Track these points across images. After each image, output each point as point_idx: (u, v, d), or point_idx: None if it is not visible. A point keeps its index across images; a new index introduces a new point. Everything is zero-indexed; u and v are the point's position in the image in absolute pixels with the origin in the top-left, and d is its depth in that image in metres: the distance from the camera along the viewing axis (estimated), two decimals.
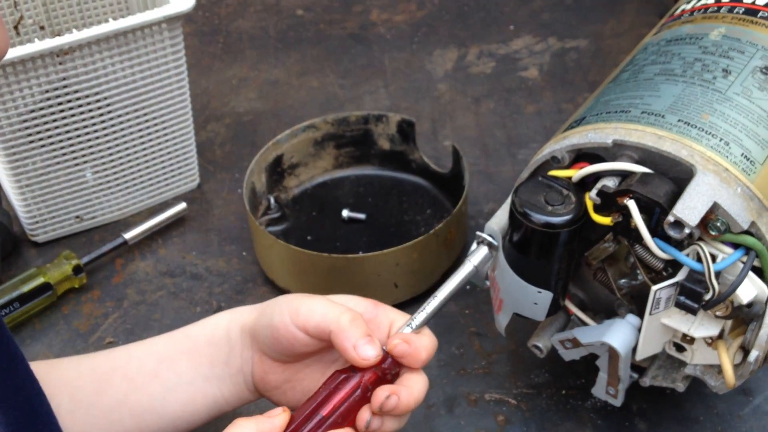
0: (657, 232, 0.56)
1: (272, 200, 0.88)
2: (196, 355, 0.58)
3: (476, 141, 0.97)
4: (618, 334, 0.60)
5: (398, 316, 0.56)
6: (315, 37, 1.12)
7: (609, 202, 0.58)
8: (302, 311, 0.53)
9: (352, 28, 1.13)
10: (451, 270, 0.82)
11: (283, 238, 0.85)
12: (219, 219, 0.89)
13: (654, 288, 0.56)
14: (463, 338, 0.76)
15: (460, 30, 1.12)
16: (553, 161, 0.62)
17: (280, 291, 0.81)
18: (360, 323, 0.53)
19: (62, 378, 0.58)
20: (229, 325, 0.58)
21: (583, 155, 0.62)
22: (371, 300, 0.57)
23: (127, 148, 0.86)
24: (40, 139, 0.82)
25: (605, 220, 0.58)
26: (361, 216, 0.88)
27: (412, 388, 0.52)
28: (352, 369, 0.53)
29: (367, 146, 0.91)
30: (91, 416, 0.58)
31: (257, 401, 0.61)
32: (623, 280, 0.62)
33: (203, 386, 0.58)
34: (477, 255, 0.60)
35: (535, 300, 0.61)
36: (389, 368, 0.53)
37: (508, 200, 0.63)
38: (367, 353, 0.51)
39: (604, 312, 0.67)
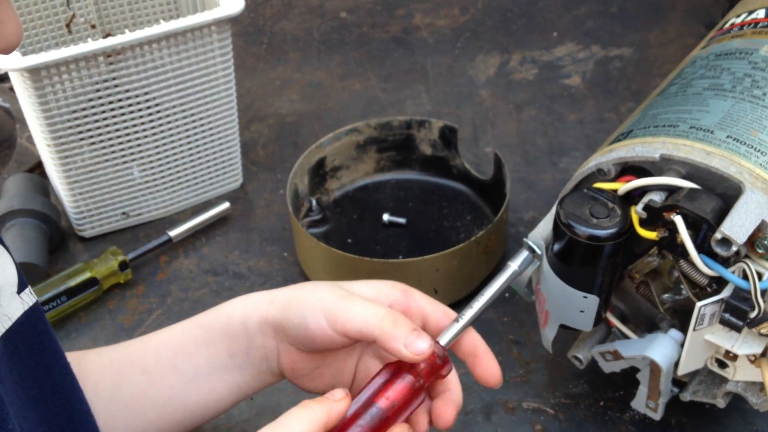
0: (703, 248, 0.56)
1: (314, 202, 0.89)
2: (212, 347, 0.58)
3: (517, 148, 0.97)
4: (660, 348, 0.60)
5: (429, 305, 0.57)
6: (358, 40, 1.13)
7: (655, 217, 0.58)
8: (341, 317, 0.53)
9: (395, 31, 1.14)
10: (490, 277, 0.82)
11: (323, 240, 0.85)
12: (261, 219, 0.90)
13: (699, 304, 0.56)
14: (501, 346, 0.77)
15: (503, 36, 1.12)
16: (599, 173, 0.62)
17: None
18: (403, 321, 0.52)
19: (85, 371, 0.59)
20: (244, 316, 0.57)
21: (629, 168, 0.62)
22: (400, 286, 0.57)
23: (173, 147, 0.88)
24: (90, 136, 0.83)
25: (651, 235, 0.58)
26: (402, 220, 0.88)
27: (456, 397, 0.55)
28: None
29: (408, 151, 0.92)
30: (113, 410, 0.59)
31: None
32: (666, 295, 0.62)
33: (224, 375, 0.59)
34: (518, 258, 0.61)
35: (582, 307, 0.61)
36: (442, 362, 0.54)
37: (552, 211, 0.63)
38: (420, 347, 0.51)
39: (645, 325, 0.67)
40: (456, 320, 0.56)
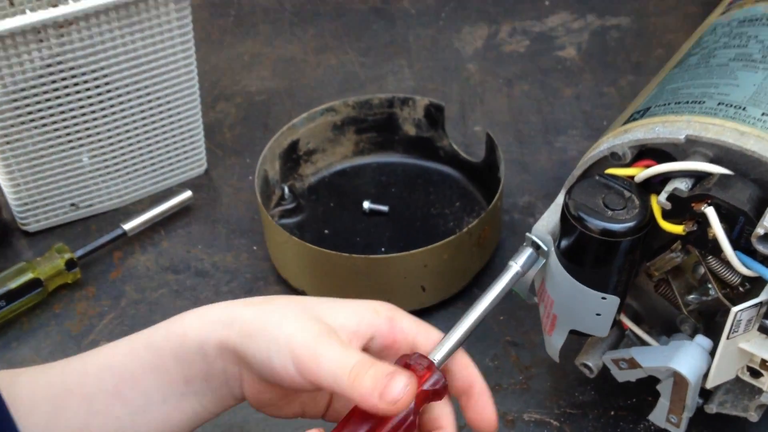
0: (739, 244, 0.49)
1: (286, 190, 0.81)
2: (164, 372, 0.50)
3: (509, 126, 0.89)
4: (687, 358, 0.52)
5: (419, 334, 0.49)
6: (334, 11, 1.05)
7: (681, 208, 0.50)
8: (310, 366, 0.46)
9: (374, 1, 1.06)
10: (483, 272, 0.74)
11: (297, 231, 0.78)
12: (227, 209, 0.82)
13: (735, 309, 0.49)
14: (497, 348, 0.69)
15: (491, 5, 1.04)
16: (612, 158, 0.54)
17: (294, 292, 0.74)
18: (374, 373, 0.45)
19: (17, 395, 0.51)
20: (200, 339, 0.50)
21: (646, 151, 0.54)
22: (385, 313, 0.49)
23: (127, 130, 0.80)
24: (32, 120, 0.75)
25: (676, 229, 0.50)
26: (384, 208, 0.81)
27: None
28: None
29: (390, 132, 0.84)
30: None
31: None
32: (692, 296, 0.55)
33: (179, 404, 0.51)
34: (521, 256, 0.53)
35: (598, 310, 0.53)
36: (437, 384, 0.47)
37: (558, 200, 0.56)
38: (392, 395, 0.44)
39: (662, 326, 0.59)
40: (450, 333, 0.48)
